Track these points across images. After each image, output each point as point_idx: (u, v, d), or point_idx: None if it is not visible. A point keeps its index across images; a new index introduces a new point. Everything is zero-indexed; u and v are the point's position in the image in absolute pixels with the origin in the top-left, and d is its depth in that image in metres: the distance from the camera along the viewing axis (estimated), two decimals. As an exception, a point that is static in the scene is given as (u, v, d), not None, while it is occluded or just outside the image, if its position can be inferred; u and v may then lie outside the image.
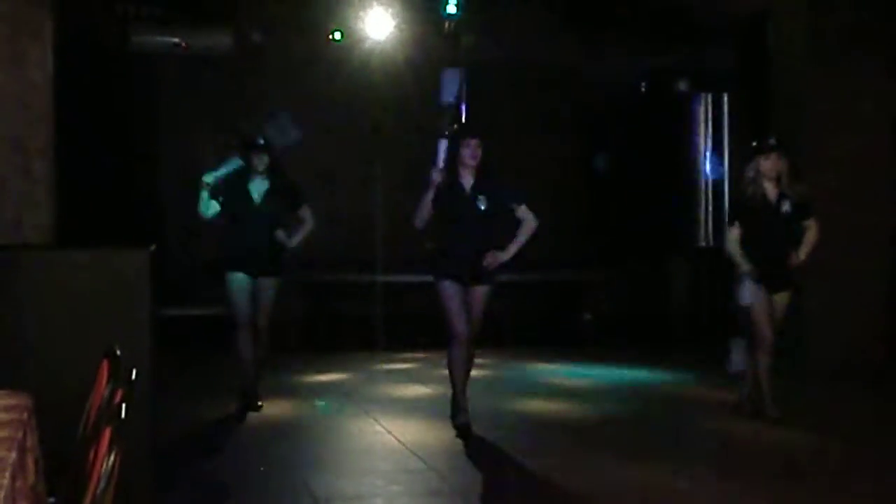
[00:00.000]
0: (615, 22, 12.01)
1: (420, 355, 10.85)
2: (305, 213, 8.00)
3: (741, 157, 8.75)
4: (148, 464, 4.92)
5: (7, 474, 2.48)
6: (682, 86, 12.55)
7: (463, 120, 11.80)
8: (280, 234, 7.87)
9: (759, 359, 7.38)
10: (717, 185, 12.52)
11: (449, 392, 7.20)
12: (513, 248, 7.03)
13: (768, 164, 7.31)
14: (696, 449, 6.82)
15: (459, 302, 6.98)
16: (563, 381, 9.61)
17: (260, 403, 7.89)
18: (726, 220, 10.06)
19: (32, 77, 7.96)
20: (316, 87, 12.10)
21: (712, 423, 7.60)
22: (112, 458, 2.50)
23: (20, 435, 2.86)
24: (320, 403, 6.98)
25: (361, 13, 11.32)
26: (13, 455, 2.64)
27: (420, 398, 8.66)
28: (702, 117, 12.71)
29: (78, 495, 2.69)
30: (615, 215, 13.25)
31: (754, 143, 7.52)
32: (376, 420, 7.62)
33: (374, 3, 11.29)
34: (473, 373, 7.34)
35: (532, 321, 12.20)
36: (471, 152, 6.96)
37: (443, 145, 7.02)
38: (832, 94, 9.71)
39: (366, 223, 12.51)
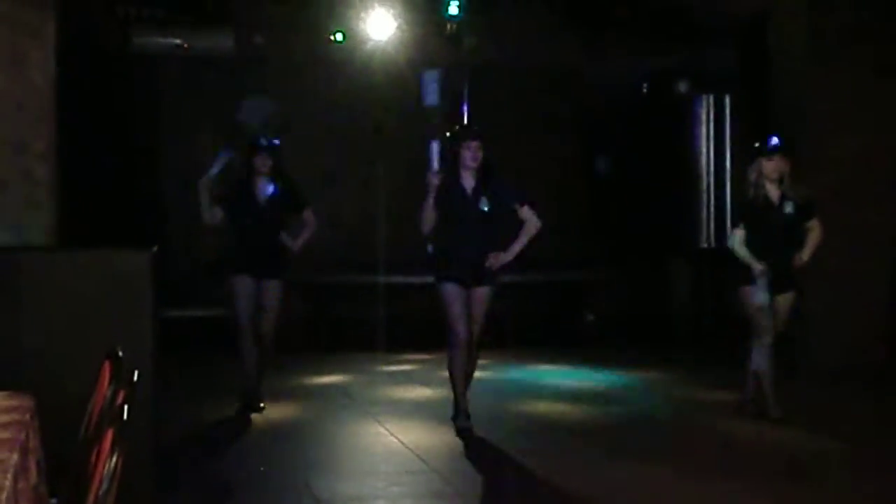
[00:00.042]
0: (616, 23, 12.01)
1: (421, 357, 10.85)
2: (308, 215, 8.00)
3: (742, 158, 8.75)
4: (150, 465, 4.92)
5: (9, 475, 2.48)
6: (683, 87, 12.55)
7: (464, 122, 11.79)
8: (284, 236, 7.88)
9: (760, 360, 7.37)
10: (719, 185, 12.51)
11: (450, 393, 7.20)
12: (515, 248, 7.04)
13: (771, 166, 7.31)
14: (698, 450, 6.81)
15: (461, 304, 6.98)
16: (564, 382, 9.60)
17: (262, 405, 7.89)
18: (728, 221, 10.08)
19: (34, 79, 7.97)
20: (317, 89, 12.10)
21: (713, 424, 7.60)
22: (114, 459, 2.51)
23: (22, 436, 2.86)
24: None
25: (363, 14, 11.32)
26: (15, 456, 2.64)
27: (421, 400, 8.66)
28: (703, 118, 12.70)
29: (80, 496, 2.69)
30: (616, 216, 13.25)
31: (756, 145, 7.52)
32: (378, 421, 7.62)
33: (376, 5, 11.29)
34: (475, 374, 7.34)
35: (534, 322, 12.20)
36: (472, 154, 6.97)
37: (434, 148, 7.02)
38: (833, 95, 9.70)
39: (367, 224, 12.51)
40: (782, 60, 10.17)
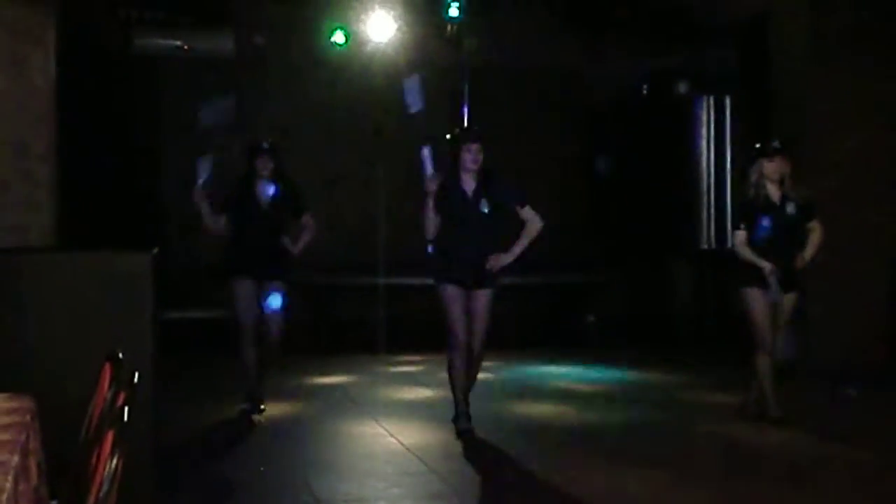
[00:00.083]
0: (616, 24, 12.02)
1: (422, 358, 10.85)
2: (308, 219, 7.99)
3: (743, 159, 8.75)
4: (150, 466, 4.93)
5: (10, 477, 2.49)
6: (684, 87, 12.55)
7: (464, 123, 11.80)
8: (285, 240, 7.87)
9: (759, 360, 7.38)
10: (719, 186, 12.51)
11: (450, 395, 7.20)
12: (517, 249, 7.04)
13: (772, 167, 7.31)
14: (698, 451, 6.82)
15: (460, 306, 6.98)
16: (565, 384, 9.61)
17: (262, 406, 7.89)
18: (729, 222, 10.07)
19: (35, 81, 7.98)
20: (318, 90, 12.11)
21: (714, 425, 7.59)
22: (115, 460, 2.51)
23: (23, 438, 2.87)
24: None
25: (363, 16, 11.33)
26: (16, 458, 2.64)
27: (422, 401, 8.66)
28: (703, 119, 12.71)
29: (80, 498, 2.70)
30: (617, 217, 13.25)
31: (757, 146, 7.52)
32: (378, 422, 7.63)
33: (377, 6, 11.29)
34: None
35: (534, 323, 12.20)
36: (472, 157, 6.97)
37: (426, 153, 7.02)
38: (833, 95, 9.71)
39: (368, 225, 12.51)
40: (782, 61, 10.18)
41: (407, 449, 6.72)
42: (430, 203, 6.93)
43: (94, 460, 2.70)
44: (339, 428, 7.57)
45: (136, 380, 2.99)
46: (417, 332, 11.07)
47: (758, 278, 7.28)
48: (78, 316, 4.83)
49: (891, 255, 9.79)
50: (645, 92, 13.01)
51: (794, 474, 6.18)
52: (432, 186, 6.92)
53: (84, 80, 9.67)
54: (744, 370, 7.67)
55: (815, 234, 7.40)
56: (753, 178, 7.38)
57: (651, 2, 11.97)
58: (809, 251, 7.39)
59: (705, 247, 12.67)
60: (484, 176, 7.04)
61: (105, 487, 2.48)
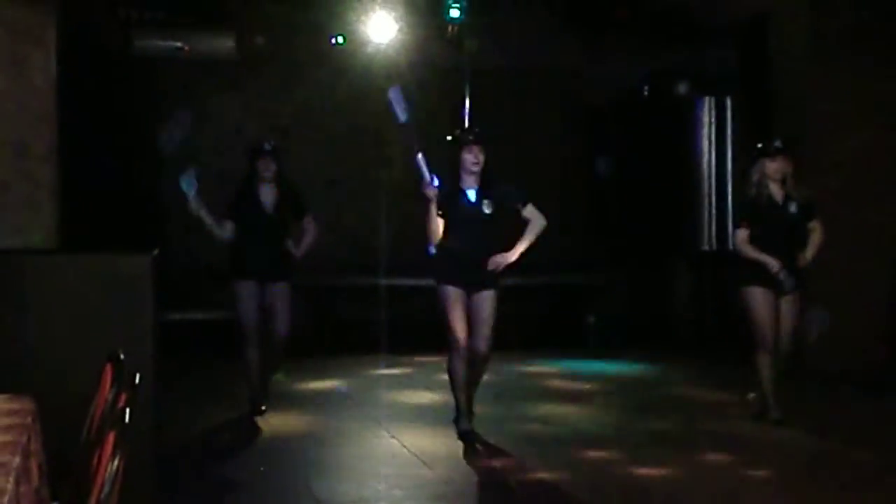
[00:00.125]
0: (616, 25, 12.01)
1: (423, 359, 10.84)
2: (309, 222, 7.99)
3: (744, 160, 8.74)
4: (151, 467, 4.93)
5: (11, 478, 2.49)
6: (684, 88, 12.54)
7: (465, 125, 11.79)
8: (289, 243, 7.87)
9: (760, 360, 7.37)
10: (720, 187, 12.50)
11: (451, 396, 7.20)
12: (520, 248, 7.03)
13: (774, 167, 7.30)
14: (699, 453, 6.81)
15: (461, 307, 6.97)
16: (567, 385, 9.60)
17: (263, 407, 7.89)
18: (730, 223, 10.04)
19: (35, 81, 7.98)
20: (318, 91, 12.11)
21: (715, 426, 7.59)
22: (116, 461, 2.51)
23: (24, 439, 2.86)
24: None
25: (364, 17, 11.32)
26: (17, 459, 2.64)
27: (423, 402, 8.65)
28: (704, 120, 12.69)
29: (82, 499, 2.70)
30: (617, 218, 13.24)
31: (759, 146, 7.51)
32: (379, 424, 7.62)
33: (377, 7, 11.29)
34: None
35: (535, 324, 12.19)
36: (473, 158, 6.97)
37: (420, 160, 7.01)
38: (834, 95, 9.70)
39: (369, 227, 12.51)
40: (783, 61, 10.18)
41: (408, 450, 6.72)
42: (432, 209, 6.93)
43: (95, 461, 2.70)
44: (339, 429, 7.56)
45: (137, 381, 2.99)
46: (419, 334, 11.06)
47: (759, 277, 7.27)
48: (79, 317, 4.83)
49: (891, 256, 9.77)
50: (646, 93, 13.00)
51: (794, 473, 6.17)
52: (432, 192, 6.91)
53: (84, 80, 9.67)
54: (744, 370, 7.67)
55: (816, 234, 7.40)
56: (756, 177, 7.37)
57: (651, 2, 11.96)
58: (810, 251, 7.38)
59: (706, 248, 12.66)
60: (485, 176, 7.04)
61: (106, 488, 2.48)
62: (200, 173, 7.71)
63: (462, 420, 7.09)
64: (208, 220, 7.58)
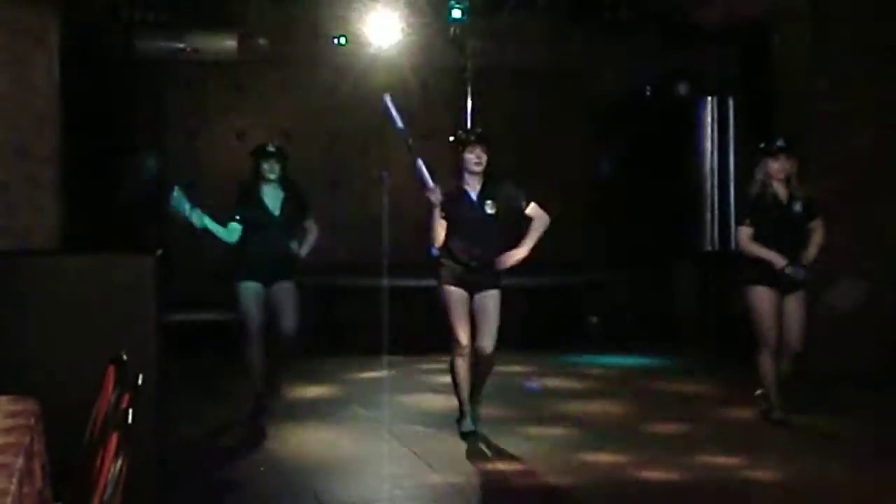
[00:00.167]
0: (618, 25, 12.00)
1: (425, 360, 10.83)
2: (310, 225, 8.00)
3: (746, 160, 8.73)
4: (153, 469, 4.93)
5: (14, 480, 2.48)
6: (687, 89, 12.54)
7: (467, 125, 11.79)
8: (293, 244, 7.87)
9: (762, 360, 7.35)
10: (723, 188, 12.50)
11: (454, 397, 7.19)
12: (528, 244, 7.01)
13: (777, 166, 7.30)
14: (700, 453, 6.80)
15: (463, 308, 6.97)
16: (569, 385, 9.59)
17: (264, 404, 7.89)
18: (733, 224, 10.01)
19: (37, 83, 7.98)
20: (320, 93, 12.11)
21: (716, 426, 7.59)
22: (119, 463, 2.51)
23: (27, 440, 2.86)
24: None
25: (366, 18, 11.32)
26: (20, 460, 2.64)
27: (426, 404, 8.64)
28: (706, 120, 12.69)
29: (85, 500, 2.69)
30: (620, 219, 13.23)
31: (762, 145, 7.50)
32: (382, 424, 7.62)
33: (380, 9, 11.29)
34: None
35: (537, 324, 12.18)
36: (475, 158, 6.97)
37: (421, 165, 7.01)
38: (836, 96, 9.69)
39: (371, 227, 12.50)
40: (785, 61, 10.17)
41: (411, 451, 6.72)
42: (436, 213, 6.94)
43: (98, 463, 2.69)
44: (342, 430, 7.56)
45: (139, 382, 2.99)
46: (421, 334, 11.06)
47: (762, 276, 7.26)
48: (82, 318, 4.83)
49: (894, 256, 9.76)
50: (648, 94, 13.00)
51: (795, 475, 6.17)
52: (435, 197, 6.90)
53: (87, 81, 9.67)
54: (747, 370, 7.66)
55: (818, 234, 7.39)
56: (759, 176, 7.36)
57: (654, 3, 11.96)
58: (812, 251, 7.38)
59: (708, 248, 12.65)
60: (488, 177, 7.04)
61: (109, 490, 2.48)
62: (187, 184, 7.69)
63: (464, 421, 7.09)
64: (213, 227, 7.58)
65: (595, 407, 8.47)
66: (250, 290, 7.72)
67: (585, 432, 7.50)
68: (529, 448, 6.88)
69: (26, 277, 4.89)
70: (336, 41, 11.48)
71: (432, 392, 9.02)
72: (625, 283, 12.80)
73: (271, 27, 11.63)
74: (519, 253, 6.99)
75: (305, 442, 7.13)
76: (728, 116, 12.53)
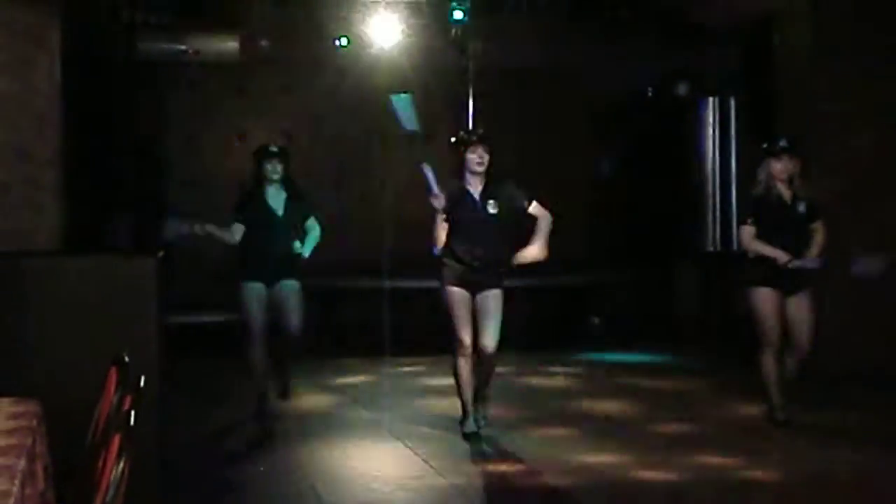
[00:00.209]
0: (620, 25, 12.01)
1: (428, 361, 10.83)
2: (313, 224, 8.00)
3: (748, 161, 8.72)
4: (155, 470, 4.92)
5: (16, 481, 2.48)
6: (688, 89, 12.54)
7: (469, 126, 11.79)
8: (297, 244, 7.87)
9: (764, 361, 7.34)
10: (725, 188, 12.50)
11: (457, 398, 7.19)
12: (540, 241, 7.00)
13: (780, 167, 7.28)
14: (701, 454, 6.79)
15: (466, 308, 6.97)
16: (570, 386, 9.59)
17: (288, 395, 7.93)
18: (735, 224, 10.00)
19: (39, 84, 7.98)
20: (322, 94, 12.11)
21: (719, 427, 7.58)
22: (121, 464, 2.50)
23: (29, 442, 2.86)
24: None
25: (368, 19, 11.33)
26: (22, 462, 2.64)
27: (428, 405, 8.63)
28: (708, 120, 12.69)
29: (87, 502, 2.69)
30: (621, 219, 13.24)
31: (765, 146, 7.49)
32: (384, 426, 7.62)
33: (381, 10, 11.29)
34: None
35: (539, 325, 12.18)
36: (477, 158, 6.98)
37: (426, 171, 7.01)
38: (837, 96, 9.68)
39: (372, 228, 12.50)
40: (786, 61, 10.16)
41: (413, 452, 6.71)
42: (439, 218, 6.94)
43: (100, 464, 2.69)
44: (344, 431, 7.56)
45: (141, 384, 2.99)
46: (423, 335, 11.07)
47: (765, 277, 7.24)
48: (83, 320, 4.83)
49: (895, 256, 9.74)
50: (649, 94, 12.99)
51: (796, 475, 6.16)
52: (439, 203, 6.90)
53: (88, 83, 9.67)
54: (749, 371, 7.65)
55: (819, 235, 7.38)
56: (763, 176, 7.34)
57: (655, 3, 11.96)
58: (814, 251, 7.36)
59: (710, 248, 12.65)
60: (490, 178, 7.05)
61: (111, 491, 2.48)
62: (177, 211, 7.67)
63: (467, 422, 7.09)
64: (215, 231, 7.58)
65: (596, 407, 8.46)
66: (253, 290, 7.72)
67: (586, 432, 7.50)
68: (531, 448, 6.88)
69: (28, 278, 4.89)
70: (337, 43, 11.49)
71: (435, 393, 9.01)
72: (626, 283, 12.80)
73: (273, 29, 11.63)
74: (533, 251, 6.97)
75: (308, 443, 7.12)
76: (729, 116, 12.54)
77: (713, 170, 12.62)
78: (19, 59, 7.88)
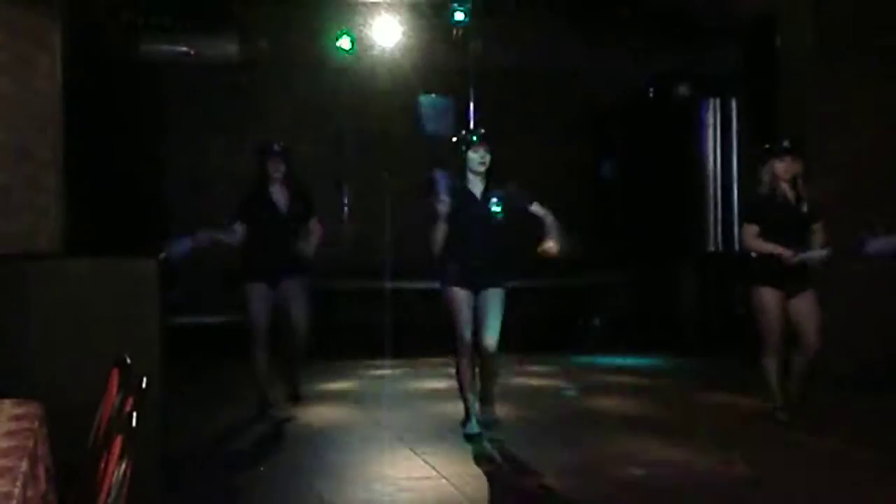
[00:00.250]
0: (620, 26, 12.01)
1: (429, 362, 10.84)
2: (314, 224, 8.01)
3: (749, 161, 8.72)
4: (157, 472, 4.92)
5: (18, 483, 2.48)
6: (689, 90, 12.54)
7: (471, 126, 11.80)
8: (300, 243, 7.88)
9: (767, 361, 7.34)
10: (726, 189, 12.50)
11: (459, 399, 7.19)
12: (555, 236, 6.99)
13: (782, 167, 7.28)
14: (702, 454, 6.79)
15: (467, 309, 6.97)
16: (571, 387, 9.59)
17: (300, 396, 7.94)
18: (736, 224, 9.99)
19: (40, 85, 7.98)
20: (323, 94, 12.12)
21: (721, 427, 7.58)
22: (123, 466, 2.50)
23: (31, 444, 2.86)
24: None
25: (369, 20, 11.33)
26: (24, 464, 2.64)
27: (430, 405, 8.64)
28: (709, 121, 12.70)
29: (89, 504, 2.69)
30: (622, 220, 13.24)
31: (767, 146, 7.49)
32: (386, 427, 7.62)
33: (382, 11, 11.30)
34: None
35: (540, 326, 12.18)
36: (479, 158, 6.99)
37: (438, 176, 7.01)
38: (838, 96, 9.68)
39: (374, 229, 12.52)
40: (787, 62, 10.16)
41: (415, 453, 6.71)
42: (440, 223, 6.94)
43: (102, 466, 2.69)
44: (346, 432, 7.56)
45: (143, 385, 2.99)
46: (424, 336, 11.07)
47: (769, 278, 7.24)
48: (85, 321, 4.84)
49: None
50: (650, 94, 13.00)
51: (798, 476, 6.16)
52: (443, 209, 6.90)
53: (89, 84, 9.67)
54: (750, 371, 7.65)
55: (820, 236, 7.39)
56: (766, 177, 7.35)
57: (655, 4, 11.96)
58: (814, 252, 7.37)
59: (711, 249, 12.65)
60: (491, 176, 7.05)
61: (113, 493, 2.48)
62: (170, 238, 7.68)
63: (469, 423, 7.09)
64: (217, 235, 7.59)
65: (596, 407, 8.46)
66: (258, 290, 7.73)
67: (587, 432, 7.50)
68: (533, 449, 6.88)
69: (29, 281, 4.89)
70: (338, 43, 11.49)
71: (437, 395, 9.01)
72: (627, 284, 12.80)
73: (273, 30, 11.64)
74: (552, 245, 6.94)
75: (310, 444, 7.12)
76: (730, 117, 12.54)
77: (714, 170, 12.63)
78: (20, 59, 7.87)
